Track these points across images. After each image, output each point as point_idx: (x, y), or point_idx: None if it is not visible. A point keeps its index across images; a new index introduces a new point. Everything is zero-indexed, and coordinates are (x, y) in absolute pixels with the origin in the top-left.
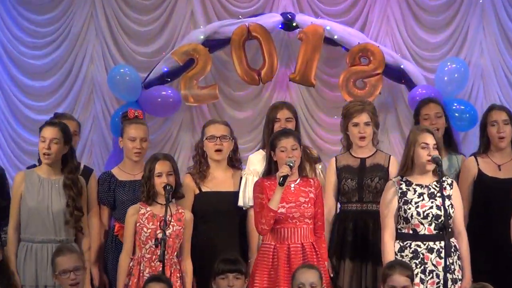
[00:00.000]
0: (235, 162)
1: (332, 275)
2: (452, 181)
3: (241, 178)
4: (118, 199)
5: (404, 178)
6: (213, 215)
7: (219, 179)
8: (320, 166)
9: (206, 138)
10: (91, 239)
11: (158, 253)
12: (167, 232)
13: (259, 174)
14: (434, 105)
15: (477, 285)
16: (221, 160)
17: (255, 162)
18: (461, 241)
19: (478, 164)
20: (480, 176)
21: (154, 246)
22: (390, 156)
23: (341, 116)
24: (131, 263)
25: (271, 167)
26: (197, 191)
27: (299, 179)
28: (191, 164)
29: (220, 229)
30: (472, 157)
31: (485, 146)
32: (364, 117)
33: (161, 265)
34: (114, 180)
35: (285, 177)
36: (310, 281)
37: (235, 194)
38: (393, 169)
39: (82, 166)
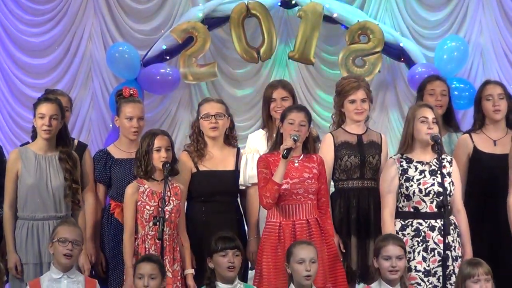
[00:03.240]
0: (231, 139)
1: (344, 251)
2: (451, 159)
3: (237, 155)
4: (114, 177)
5: (404, 155)
6: (211, 194)
7: (216, 158)
8: (319, 145)
9: (201, 117)
10: (86, 215)
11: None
12: (168, 208)
13: (259, 152)
14: (441, 83)
15: (472, 260)
16: (218, 138)
17: (254, 141)
18: (461, 219)
19: (473, 141)
20: (475, 153)
21: (152, 224)
22: (380, 134)
23: (334, 93)
24: (136, 242)
25: (277, 141)
26: (194, 170)
27: (302, 155)
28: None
29: (218, 209)
30: (467, 134)
31: (480, 121)
32: (360, 94)
33: (162, 243)
34: (110, 158)
35: (289, 150)
36: (311, 256)
37: (232, 174)
38: (386, 146)
39: (76, 142)
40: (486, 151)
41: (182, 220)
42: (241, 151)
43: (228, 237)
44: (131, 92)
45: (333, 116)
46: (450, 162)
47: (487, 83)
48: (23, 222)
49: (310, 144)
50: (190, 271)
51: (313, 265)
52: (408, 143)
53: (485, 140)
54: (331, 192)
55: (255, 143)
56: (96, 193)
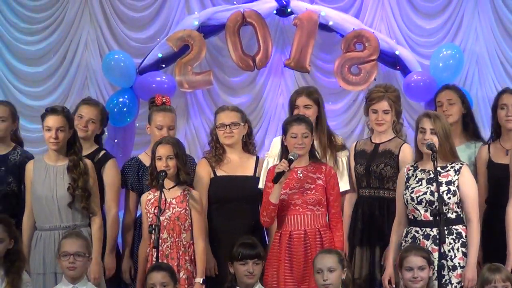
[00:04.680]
0: (249, 146)
1: (347, 260)
2: (460, 167)
3: (256, 163)
4: (145, 186)
5: (415, 164)
6: (228, 199)
7: (234, 163)
8: (343, 154)
9: (217, 126)
10: (108, 226)
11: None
12: (166, 215)
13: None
14: (448, 92)
15: (492, 266)
16: (234, 144)
17: (278, 146)
18: (470, 228)
19: (489, 152)
20: (489, 163)
21: (148, 232)
22: (404, 143)
23: (364, 99)
24: (148, 248)
25: (283, 153)
26: (212, 175)
27: (310, 164)
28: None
29: (235, 214)
30: (486, 145)
31: (496, 130)
32: (383, 105)
33: (162, 250)
34: (142, 166)
35: (279, 174)
36: (328, 265)
37: (250, 179)
38: (404, 156)
39: (102, 152)
40: (497, 161)
41: (196, 228)
42: (266, 153)
43: (249, 244)
44: (164, 100)
45: (368, 123)
46: (457, 171)
47: (504, 91)
48: (36, 233)
49: (314, 151)
50: (198, 279)
51: (331, 274)
52: (416, 152)
53: (500, 150)
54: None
55: (278, 148)
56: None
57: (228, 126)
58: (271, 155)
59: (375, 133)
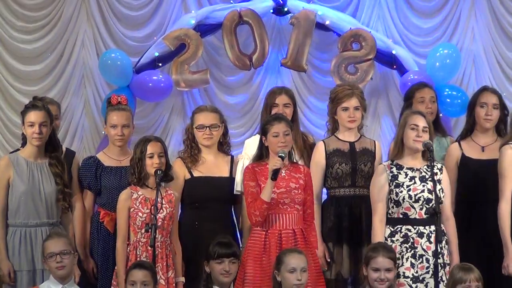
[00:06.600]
0: (225, 146)
1: (328, 260)
2: (442, 166)
3: (231, 163)
4: (104, 185)
5: (394, 162)
6: (205, 200)
7: (210, 164)
8: None
9: (196, 127)
10: (75, 222)
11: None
12: (161, 215)
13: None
14: (429, 90)
15: (464, 266)
16: (211, 145)
17: (252, 147)
18: (449, 226)
19: (461, 149)
20: (463, 159)
21: (144, 231)
22: (374, 141)
23: (328, 100)
24: (128, 248)
25: (262, 153)
26: (188, 176)
27: (289, 164)
28: (182, 149)
29: (210, 215)
30: (456, 143)
31: (470, 126)
32: (353, 102)
33: (154, 250)
34: (100, 166)
35: (277, 171)
36: (302, 266)
37: (226, 180)
38: (379, 154)
39: (64, 149)
40: (474, 157)
41: (175, 227)
42: (237, 156)
43: (225, 243)
44: (119, 100)
45: (327, 124)
46: (440, 170)
47: (484, 89)
48: (15, 229)
49: (291, 151)
50: (181, 279)
51: (304, 274)
52: (398, 149)
53: (473, 146)
54: (323, 200)
55: (252, 149)
56: (83, 200)
57: (207, 128)
58: (246, 157)
59: (342, 130)
